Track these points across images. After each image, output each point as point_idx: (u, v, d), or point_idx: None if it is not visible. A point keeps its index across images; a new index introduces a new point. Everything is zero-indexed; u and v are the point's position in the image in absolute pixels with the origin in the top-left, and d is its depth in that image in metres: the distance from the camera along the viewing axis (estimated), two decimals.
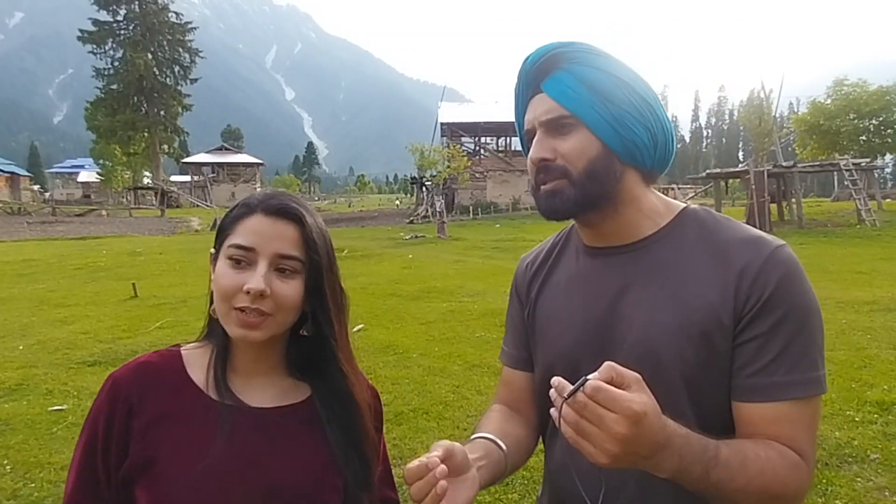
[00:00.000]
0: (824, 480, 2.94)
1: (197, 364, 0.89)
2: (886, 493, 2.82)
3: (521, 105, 0.91)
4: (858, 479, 2.95)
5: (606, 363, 0.65)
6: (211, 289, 0.88)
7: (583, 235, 0.95)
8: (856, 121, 25.53)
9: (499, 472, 0.87)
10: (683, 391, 0.82)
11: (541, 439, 1.04)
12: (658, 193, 0.93)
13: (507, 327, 1.09)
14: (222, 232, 0.87)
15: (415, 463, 0.70)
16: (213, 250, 0.89)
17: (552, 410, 0.67)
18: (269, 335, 0.84)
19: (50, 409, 4.19)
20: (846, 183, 19.89)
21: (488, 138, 44.99)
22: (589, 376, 0.64)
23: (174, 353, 0.92)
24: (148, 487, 0.81)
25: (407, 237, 20.61)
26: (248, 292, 0.80)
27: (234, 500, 0.81)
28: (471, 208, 34.79)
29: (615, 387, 0.63)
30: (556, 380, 0.66)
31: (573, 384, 0.65)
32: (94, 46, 58.80)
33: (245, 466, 0.83)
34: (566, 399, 0.64)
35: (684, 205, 0.93)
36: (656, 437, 0.65)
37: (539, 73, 0.86)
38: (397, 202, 66.19)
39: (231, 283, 0.82)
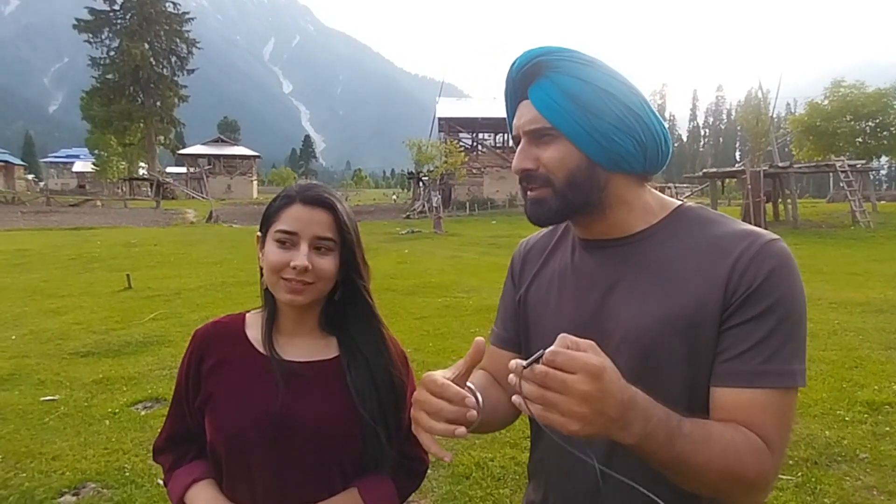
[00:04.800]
0: (813, 479, 2.96)
1: (253, 325, 1.13)
2: (874, 493, 2.84)
3: (511, 109, 0.92)
4: (847, 479, 2.98)
5: (561, 334, 0.66)
6: (261, 265, 1.08)
7: (576, 229, 0.97)
8: (852, 122, 25.63)
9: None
10: (676, 383, 0.83)
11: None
12: (654, 192, 0.93)
13: (499, 309, 1.11)
14: (268, 219, 1.06)
15: (451, 386, 0.74)
16: (259, 234, 1.09)
17: (514, 398, 0.66)
18: (310, 299, 1.05)
19: (42, 399, 4.18)
20: (841, 184, 19.98)
21: (486, 134, 44.93)
22: (545, 350, 0.64)
23: (241, 315, 1.17)
24: (209, 414, 1.08)
25: (403, 232, 20.59)
26: (294, 268, 1.00)
27: (262, 429, 1.04)
28: (467, 204, 34.77)
29: None
30: (513, 362, 0.66)
31: None
32: (90, 35, 58.35)
33: (273, 404, 1.04)
34: (525, 368, 0.64)
35: (679, 202, 0.93)
36: (621, 395, 0.66)
37: (525, 79, 0.86)
38: (394, 197, 66.00)
39: (279, 259, 1.02)
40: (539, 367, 0.64)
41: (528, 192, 0.89)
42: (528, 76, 0.86)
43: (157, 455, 1.18)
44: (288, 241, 1.02)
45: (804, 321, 0.81)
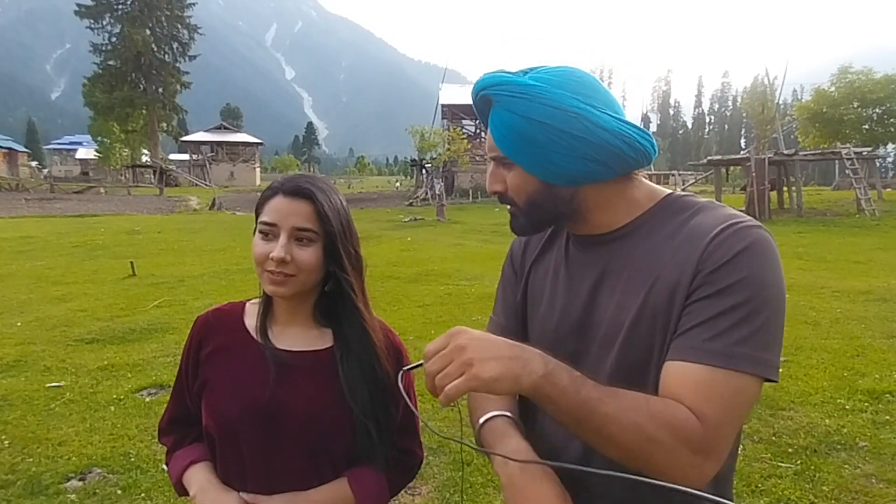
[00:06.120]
0: (812, 467, 2.98)
1: (252, 313, 1.15)
2: (873, 481, 2.86)
3: (486, 127, 0.93)
4: (846, 467, 2.99)
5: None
6: None
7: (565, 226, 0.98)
8: (859, 109, 25.34)
9: None
10: (654, 373, 0.82)
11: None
12: (643, 182, 0.92)
13: (498, 298, 1.11)
14: (257, 211, 1.08)
15: None
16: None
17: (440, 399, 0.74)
18: (293, 291, 1.05)
19: (48, 385, 4.22)
20: (847, 172, 19.83)
21: None
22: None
23: (241, 304, 1.19)
24: (205, 399, 1.10)
25: (406, 220, 20.57)
26: (273, 259, 1.01)
27: (253, 416, 1.05)
28: (470, 192, 34.66)
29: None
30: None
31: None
32: (92, 21, 57.92)
33: (264, 392, 1.05)
34: (408, 369, 0.81)
35: (668, 192, 0.92)
36: (495, 338, 0.75)
37: (485, 106, 0.90)
38: (397, 184, 65.85)
39: (260, 251, 1.04)
40: (424, 363, 0.76)
41: (509, 209, 0.94)
42: (485, 103, 0.89)
43: (161, 436, 1.22)
44: (269, 232, 1.03)
45: (773, 309, 0.77)
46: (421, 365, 0.75)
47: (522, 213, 0.91)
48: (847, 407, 3.70)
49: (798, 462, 3.04)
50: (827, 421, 3.49)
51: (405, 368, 0.79)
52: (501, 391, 0.72)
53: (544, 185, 0.87)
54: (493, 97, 0.86)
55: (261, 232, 1.05)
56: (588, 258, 0.93)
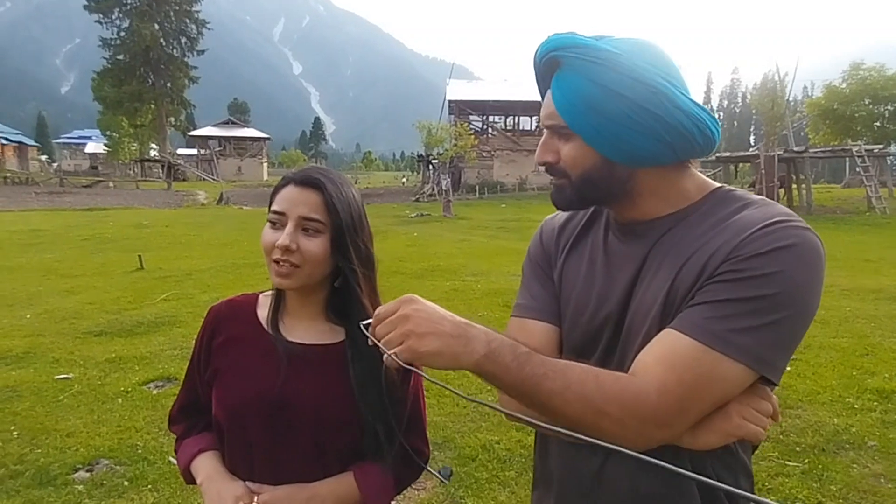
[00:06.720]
0: (820, 466, 2.96)
1: (264, 305, 1.16)
2: (882, 480, 2.84)
3: (543, 93, 0.88)
4: (855, 466, 2.97)
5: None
6: None
7: (609, 212, 0.95)
8: (871, 106, 25.12)
9: None
10: None
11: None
12: (695, 174, 0.88)
13: (529, 283, 1.02)
14: (270, 202, 1.07)
15: None
16: None
17: (385, 357, 0.74)
18: (299, 284, 1.04)
19: (56, 377, 4.26)
20: (858, 169, 19.64)
21: (496, 117, 44.47)
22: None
23: (255, 296, 1.19)
24: (215, 389, 1.11)
25: (412, 215, 20.58)
26: (278, 247, 1.01)
27: (261, 406, 1.05)
28: (477, 187, 34.60)
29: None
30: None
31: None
32: (101, 16, 58.08)
33: (273, 383, 1.06)
34: (365, 324, 0.80)
35: (718, 185, 0.89)
36: (450, 316, 0.74)
37: (548, 70, 0.84)
38: (404, 180, 65.85)
39: (268, 240, 1.03)
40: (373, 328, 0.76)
41: (552, 179, 0.90)
42: (549, 66, 0.84)
43: (171, 424, 1.23)
44: (278, 221, 1.03)
45: (795, 312, 0.73)
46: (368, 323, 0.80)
47: (572, 187, 0.85)
48: (856, 406, 3.67)
49: (806, 461, 3.02)
50: (835, 420, 3.47)
51: (363, 322, 0.82)
52: (440, 366, 0.72)
53: (604, 162, 0.82)
54: (564, 60, 0.80)
55: (270, 221, 1.05)
56: (628, 248, 0.89)
